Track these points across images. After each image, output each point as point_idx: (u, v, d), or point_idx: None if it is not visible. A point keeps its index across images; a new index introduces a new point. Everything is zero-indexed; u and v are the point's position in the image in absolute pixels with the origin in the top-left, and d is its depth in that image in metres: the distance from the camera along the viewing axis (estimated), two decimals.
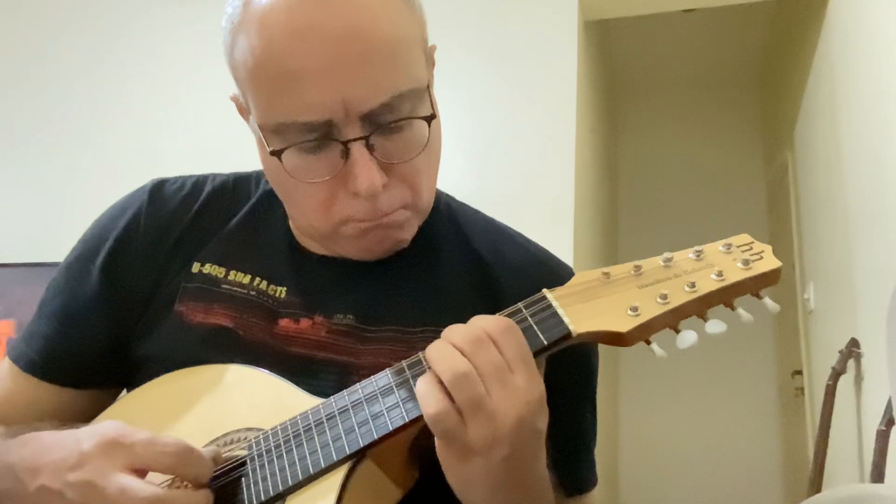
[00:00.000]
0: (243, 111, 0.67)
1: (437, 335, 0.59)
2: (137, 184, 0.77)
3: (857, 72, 2.30)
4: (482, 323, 0.55)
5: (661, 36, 4.07)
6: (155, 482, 0.55)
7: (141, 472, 0.55)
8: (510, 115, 2.55)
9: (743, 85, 4.49)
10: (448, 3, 2.67)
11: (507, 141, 2.53)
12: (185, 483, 0.58)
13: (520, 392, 0.52)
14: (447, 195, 0.80)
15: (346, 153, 0.60)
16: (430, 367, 0.54)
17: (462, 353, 0.53)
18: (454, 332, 0.55)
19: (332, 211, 0.64)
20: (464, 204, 0.80)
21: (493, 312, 0.59)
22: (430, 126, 0.63)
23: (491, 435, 0.51)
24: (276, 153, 0.61)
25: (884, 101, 2.02)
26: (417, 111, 0.62)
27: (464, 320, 0.60)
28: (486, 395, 0.52)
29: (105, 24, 2.99)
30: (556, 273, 0.73)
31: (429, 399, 0.52)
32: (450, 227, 0.75)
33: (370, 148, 0.60)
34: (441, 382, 0.53)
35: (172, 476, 0.58)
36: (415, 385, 0.55)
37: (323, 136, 0.59)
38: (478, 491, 0.54)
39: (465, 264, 0.73)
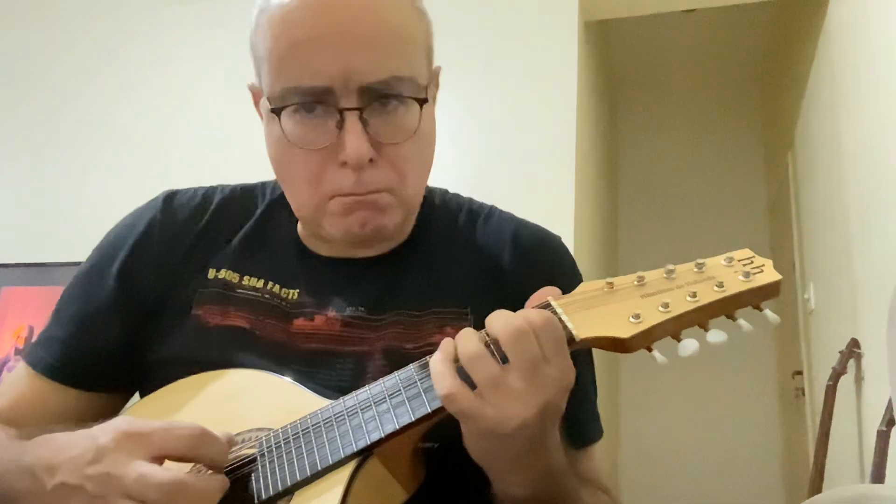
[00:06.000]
0: (257, 97, 0.71)
1: (442, 316, 0.69)
2: (143, 185, 0.80)
3: (857, 72, 2.31)
4: (525, 314, 0.57)
5: (661, 36, 4.08)
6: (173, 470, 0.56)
7: (159, 462, 0.56)
8: (510, 115, 2.56)
9: (743, 85, 4.50)
10: (448, 3, 2.67)
11: (507, 141, 2.53)
12: (202, 470, 0.59)
13: (554, 382, 0.55)
14: (440, 189, 0.84)
15: (340, 123, 0.64)
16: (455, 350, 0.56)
17: (502, 343, 0.55)
18: (495, 319, 0.56)
19: (321, 184, 0.68)
20: (456, 194, 0.85)
21: (496, 289, 0.66)
22: (421, 110, 0.67)
23: (519, 417, 0.53)
24: (277, 110, 0.65)
25: (884, 102, 2.03)
26: (412, 95, 0.67)
27: (467, 300, 0.69)
28: (509, 376, 0.54)
29: (110, 26, 2.99)
30: (550, 245, 0.81)
31: (441, 380, 0.55)
32: (444, 217, 0.81)
33: (363, 121, 0.64)
34: (454, 361, 0.55)
35: (191, 465, 0.59)
36: (422, 386, 0.57)
37: (321, 101, 0.64)
38: (500, 462, 0.58)
39: (463, 249, 0.78)
